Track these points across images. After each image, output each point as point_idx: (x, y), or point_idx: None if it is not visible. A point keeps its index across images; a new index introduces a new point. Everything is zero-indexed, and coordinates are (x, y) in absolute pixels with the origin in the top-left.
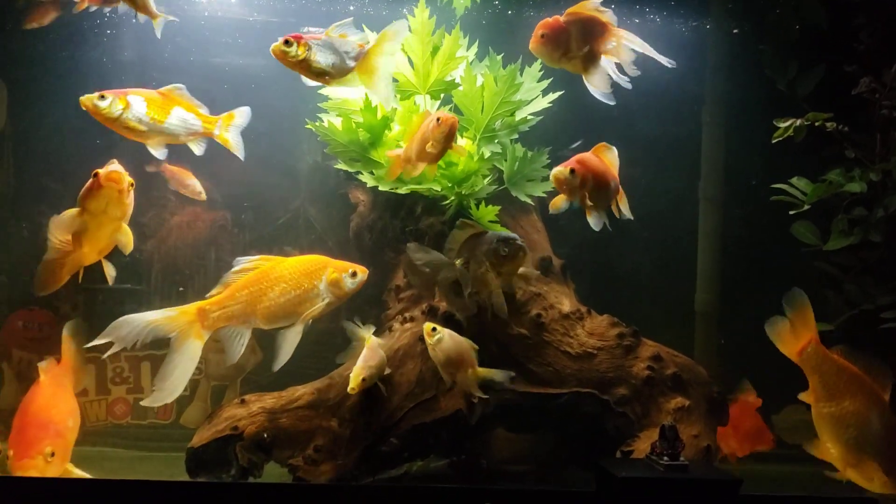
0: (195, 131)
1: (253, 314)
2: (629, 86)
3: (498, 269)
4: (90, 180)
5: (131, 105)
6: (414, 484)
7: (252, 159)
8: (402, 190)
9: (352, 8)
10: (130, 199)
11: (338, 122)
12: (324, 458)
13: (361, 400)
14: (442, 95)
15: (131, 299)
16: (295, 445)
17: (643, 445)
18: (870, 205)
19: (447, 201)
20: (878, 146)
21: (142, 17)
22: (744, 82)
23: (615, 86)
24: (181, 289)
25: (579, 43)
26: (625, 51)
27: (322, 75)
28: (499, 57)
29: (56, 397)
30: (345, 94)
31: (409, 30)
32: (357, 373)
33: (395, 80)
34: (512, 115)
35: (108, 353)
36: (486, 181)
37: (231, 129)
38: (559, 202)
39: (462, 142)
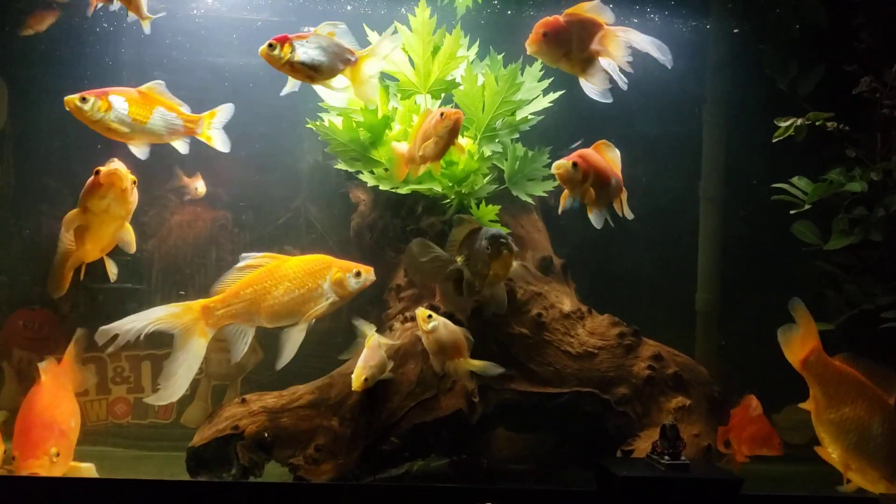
0: (178, 130)
1: (257, 312)
2: (625, 87)
3: (489, 265)
4: (91, 178)
5: (113, 106)
6: (415, 483)
7: (253, 158)
8: (403, 189)
9: (349, 8)
10: (134, 197)
11: (338, 122)
12: (325, 457)
13: (362, 399)
14: (443, 95)
15: (131, 298)
16: (296, 445)
17: (644, 445)
18: (870, 204)
19: (447, 200)
20: (879, 145)
21: (132, 15)
22: (744, 82)
23: (615, 85)
24: (182, 292)
25: (580, 43)
26: (622, 52)
27: (309, 75)
28: (499, 56)
29: (59, 398)
30: (330, 96)
31: (410, 30)
32: (359, 373)
33: (395, 80)
34: (513, 114)
35: (113, 346)
36: (485, 180)
37: (214, 126)
38: (566, 200)
39: (463, 141)
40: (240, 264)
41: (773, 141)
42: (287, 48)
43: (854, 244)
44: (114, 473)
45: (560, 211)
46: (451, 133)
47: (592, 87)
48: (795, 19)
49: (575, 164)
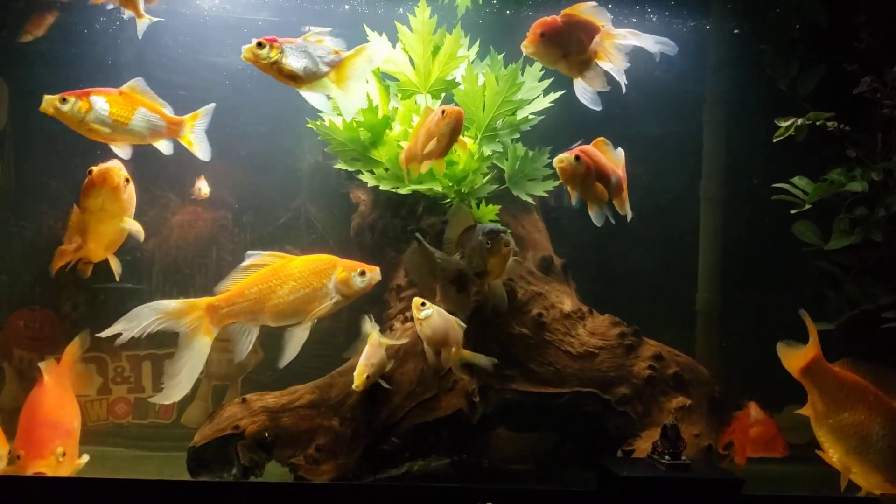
0: (160, 132)
1: (262, 311)
2: (624, 89)
3: (488, 260)
4: (86, 178)
5: (94, 107)
6: (415, 483)
7: (253, 158)
8: (403, 189)
9: (347, 7)
10: (129, 195)
11: (338, 122)
12: (325, 457)
13: (363, 399)
14: (443, 95)
15: (132, 298)
16: (296, 444)
17: (644, 445)
18: (871, 204)
19: (448, 200)
20: (880, 145)
21: (127, 12)
22: (745, 82)
23: (616, 85)
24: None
25: (578, 44)
26: (620, 53)
27: (294, 79)
28: (500, 56)
29: (62, 398)
30: (315, 100)
31: (410, 30)
32: (361, 370)
33: (395, 80)
34: (513, 114)
35: (119, 340)
36: (486, 180)
37: (195, 129)
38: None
39: (465, 140)
40: (245, 263)
41: (774, 141)
42: (276, 50)
43: (854, 244)
44: (114, 473)
45: (574, 202)
46: (453, 131)
47: (584, 92)
48: (796, 19)
49: (577, 158)
